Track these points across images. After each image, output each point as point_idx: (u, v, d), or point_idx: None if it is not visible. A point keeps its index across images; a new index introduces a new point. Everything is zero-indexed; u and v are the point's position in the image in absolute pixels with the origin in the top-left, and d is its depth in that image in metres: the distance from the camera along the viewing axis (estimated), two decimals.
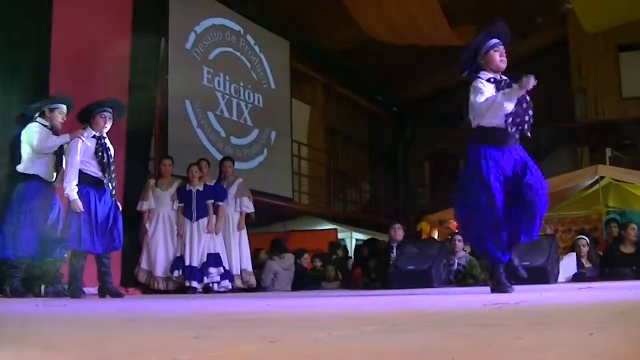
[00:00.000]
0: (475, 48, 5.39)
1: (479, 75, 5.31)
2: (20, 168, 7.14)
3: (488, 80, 5.26)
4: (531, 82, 4.97)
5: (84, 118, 7.06)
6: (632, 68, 18.10)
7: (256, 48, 13.76)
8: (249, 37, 13.57)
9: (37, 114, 7.27)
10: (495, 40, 5.37)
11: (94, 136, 6.92)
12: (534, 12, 15.78)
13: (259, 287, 10.18)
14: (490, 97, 5.14)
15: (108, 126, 7.04)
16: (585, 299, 4.13)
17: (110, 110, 7.06)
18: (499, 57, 5.34)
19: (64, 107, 7.35)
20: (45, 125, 7.18)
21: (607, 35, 17.54)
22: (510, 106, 5.09)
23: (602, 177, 12.69)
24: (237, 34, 13.30)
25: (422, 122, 21.43)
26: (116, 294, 6.95)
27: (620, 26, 15.98)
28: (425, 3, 12.78)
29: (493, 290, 5.24)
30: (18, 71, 8.54)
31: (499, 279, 5.25)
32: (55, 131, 7.18)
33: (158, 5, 11.04)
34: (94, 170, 6.89)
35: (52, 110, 7.26)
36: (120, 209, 7.19)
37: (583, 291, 5.30)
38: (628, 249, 9.95)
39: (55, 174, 7.19)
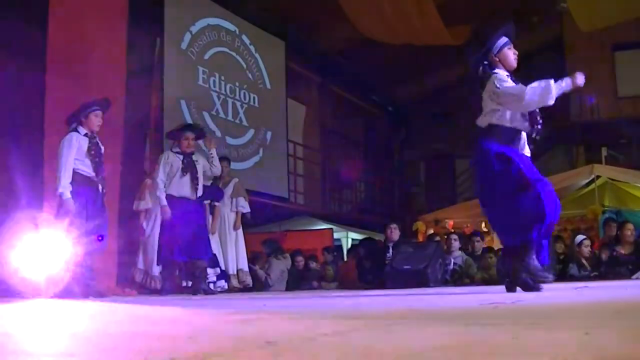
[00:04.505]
0: (488, 46, 5.35)
1: (495, 71, 5.24)
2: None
3: (507, 76, 5.22)
4: (582, 79, 4.94)
5: (75, 119, 7.08)
6: (627, 67, 18.13)
7: (251, 48, 13.76)
8: (244, 37, 13.57)
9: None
10: (506, 39, 5.37)
11: (86, 134, 6.95)
12: (529, 11, 15.80)
13: (256, 287, 10.20)
14: (539, 85, 5.01)
15: (100, 123, 7.10)
16: (581, 299, 4.13)
17: (100, 109, 7.12)
18: (513, 56, 5.34)
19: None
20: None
21: (602, 35, 17.55)
22: (552, 101, 5.00)
23: (598, 177, 12.71)
24: (233, 34, 13.30)
25: (417, 122, 21.45)
26: (99, 294, 6.92)
27: (615, 25, 15.99)
28: (420, 2, 12.78)
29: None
30: (14, 71, 8.52)
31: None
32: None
33: (154, 6, 11.04)
34: (86, 169, 6.92)
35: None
36: (107, 209, 7.23)
37: (579, 291, 5.30)
38: (625, 248, 9.96)
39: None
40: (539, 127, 5.21)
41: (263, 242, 11.70)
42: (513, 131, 5.20)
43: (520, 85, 5.09)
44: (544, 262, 5.13)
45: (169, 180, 8.05)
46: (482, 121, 5.28)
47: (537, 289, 4.98)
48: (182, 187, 8.02)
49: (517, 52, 5.37)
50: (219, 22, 12.95)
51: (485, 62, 5.32)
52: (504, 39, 5.36)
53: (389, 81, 19.35)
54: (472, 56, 5.45)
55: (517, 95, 5.06)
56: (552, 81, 5.01)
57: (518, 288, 5.13)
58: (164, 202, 8.02)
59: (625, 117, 17.72)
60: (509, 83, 5.14)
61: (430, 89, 20.25)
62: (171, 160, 8.13)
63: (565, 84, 5.00)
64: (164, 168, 8.09)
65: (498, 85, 5.13)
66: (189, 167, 8.05)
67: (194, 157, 8.21)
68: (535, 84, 5.04)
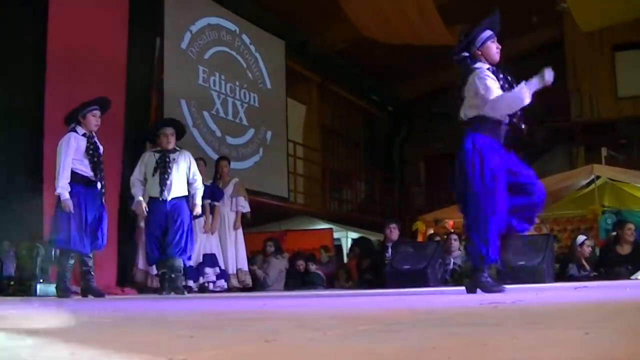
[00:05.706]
0: (471, 39, 5.30)
1: (478, 65, 5.20)
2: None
3: (488, 69, 5.18)
4: (551, 75, 4.92)
5: (72, 118, 7.08)
6: (627, 68, 18.13)
7: (252, 47, 13.76)
8: (244, 37, 13.56)
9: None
10: (490, 32, 5.32)
11: (84, 134, 6.95)
12: (530, 11, 15.79)
13: (256, 286, 10.20)
14: (509, 93, 5.02)
15: (98, 124, 7.10)
16: (580, 299, 4.13)
17: (99, 108, 7.12)
18: (496, 49, 5.29)
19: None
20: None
21: (602, 35, 17.56)
22: (528, 100, 4.97)
23: (597, 177, 12.71)
24: (233, 34, 13.29)
25: (417, 122, 21.45)
26: (98, 293, 6.93)
27: (615, 26, 16.00)
28: (420, 2, 12.78)
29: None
30: (14, 70, 8.52)
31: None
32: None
33: (154, 5, 11.03)
34: (84, 169, 6.92)
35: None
36: (106, 208, 7.24)
37: (578, 290, 5.30)
38: (624, 248, 9.96)
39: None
40: (520, 119, 5.21)
41: (267, 239, 11.69)
42: (497, 122, 5.16)
43: (493, 95, 5.04)
44: (493, 256, 5.06)
45: (147, 179, 8.08)
46: (468, 113, 5.22)
47: (499, 291, 4.94)
48: (153, 187, 7.98)
49: (500, 46, 5.32)
50: (219, 21, 12.94)
51: (467, 55, 5.27)
52: (487, 32, 5.29)
53: (389, 81, 19.36)
54: (455, 49, 5.40)
55: (491, 107, 5.06)
56: (523, 85, 4.96)
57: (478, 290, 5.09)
58: (138, 198, 8.00)
59: (625, 117, 17.72)
60: (489, 82, 5.09)
61: (431, 89, 20.23)
62: (147, 159, 8.14)
63: (535, 81, 4.97)
64: (139, 168, 8.12)
65: (476, 86, 5.10)
66: (160, 166, 7.98)
67: (172, 156, 8.06)
68: (507, 95, 5.02)
